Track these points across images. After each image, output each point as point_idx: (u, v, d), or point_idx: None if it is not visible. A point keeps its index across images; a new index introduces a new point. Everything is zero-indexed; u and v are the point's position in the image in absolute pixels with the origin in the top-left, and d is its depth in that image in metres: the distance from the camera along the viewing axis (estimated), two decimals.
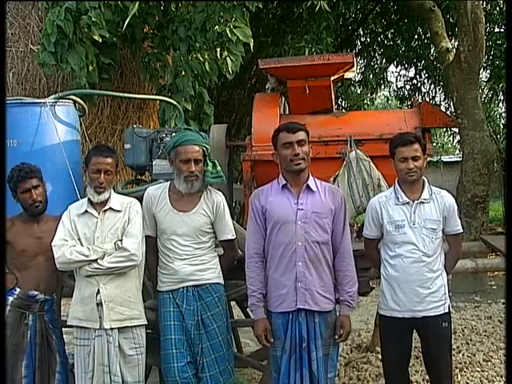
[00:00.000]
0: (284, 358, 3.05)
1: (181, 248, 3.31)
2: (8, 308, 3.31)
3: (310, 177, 3.14)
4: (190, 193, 3.34)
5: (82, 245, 3.24)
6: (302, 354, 3.02)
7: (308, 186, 3.10)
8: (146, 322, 3.32)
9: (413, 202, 3.26)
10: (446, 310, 3.26)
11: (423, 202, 3.26)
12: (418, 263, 3.20)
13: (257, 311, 3.11)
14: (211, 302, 3.32)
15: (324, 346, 3.05)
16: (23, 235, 3.36)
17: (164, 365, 3.30)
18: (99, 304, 3.19)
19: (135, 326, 3.27)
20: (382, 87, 14.05)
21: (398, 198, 3.29)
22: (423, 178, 3.33)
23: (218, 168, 3.47)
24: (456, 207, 3.33)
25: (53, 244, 3.21)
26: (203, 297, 3.32)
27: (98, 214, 3.29)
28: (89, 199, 3.32)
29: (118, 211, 3.30)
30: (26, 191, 3.34)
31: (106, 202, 3.32)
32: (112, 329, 3.19)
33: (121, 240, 3.24)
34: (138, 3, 4.86)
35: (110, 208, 3.31)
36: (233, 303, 4.70)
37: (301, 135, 3.07)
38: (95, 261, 3.18)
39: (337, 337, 3.09)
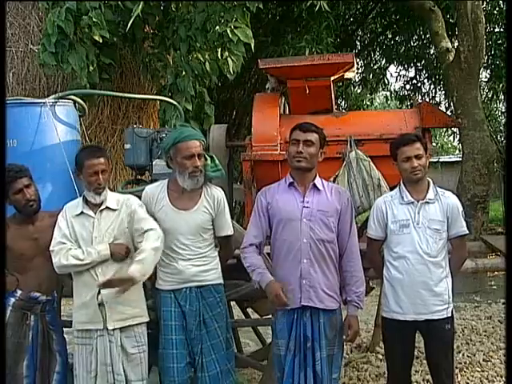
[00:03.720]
0: (288, 358, 3.06)
1: (183, 247, 3.31)
2: (9, 309, 3.29)
3: (317, 177, 3.17)
4: (194, 188, 3.33)
5: (80, 245, 3.23)
6: (306, 354, 3.03)
7: (315, 185, 3.14)
8: (148, 319, 3.31)
9: (417, 201, 3.25)
10: (449, 315, 3.24)
11: (428, 203, 3.25)
12: (421, 265, 3.18)
13: (264, 276, 3.03)
14: (213, 303, 3.33)
15: (328, 347, 3.06)
16: (19, 238, 3.32)
17: (163, 364, 3.30)
18: (101, 304, 3.19)
19: (137, 325, 3.26)
20: (381, 89, 14.03)
21: (402, 198, 3.28)
22: (428, 178, 3.32)
23: (217, 162, 3.50)
24: (461, 208, 3.32)
25: (51, 249, 3.20)
26: (205, 297, 3.32)
27: (95, 213, 3.28)
28: (84, 200, 3.30)
29: (115, 210, 3.30)
30: (18, 191, 3.30)
31: (102, 201, 3.31)
32: (114, 329, 3.19)
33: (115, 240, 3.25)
34: (141, 4, 4.85)
35: (107, 207, 3.30)
36: (233, 303, 4.71)
37: (310, 136, 3.10)
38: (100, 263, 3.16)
39: (345, 337, 3.10)
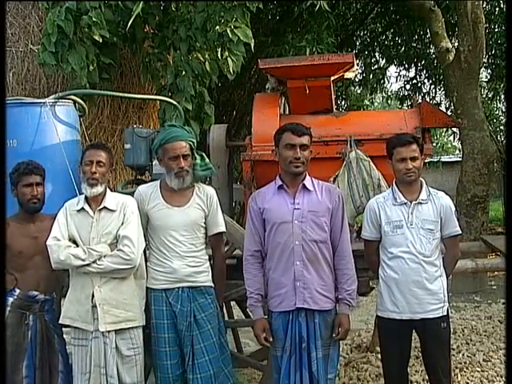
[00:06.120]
0: (284, 359, 3.05)
1: (177, 243, 3.32)
2: (8, 309, 3.29)
3: (307, 176, 3.15)
4: (182, 188, 3.36)
5: (76, 243, 3.23)
6: (302, 355, 3.02)
7: (304, 186, 3.12)
8: (141, 324, 3.31)
9: (410, 202, 3.26)
10: (445, 313, 3.25)
11: (421, 203, 3.26)
12: (415, 264, 3.20)
13: (255, 311, 3.12)
14: (205, 303, 3.34)
15: (324, 347, 3.05)
16: (19, 236, 3.33)
17: (157, 361, 3.32)
18: (94, 306, 3.18)
19: (132, 328, 3.26)
20: (379, 90, 14.04)
21: (395, 199, 3.29)
22: (421, 178, 3.33)
23: (207, 160, 3.52)
24: (453, 208, 3.33)
25: (47, 243, 3.21)
26: (197, 298, 3.33)
27: (94, 213, 3.28)
28: (85, 196, 3.31)
29: (113, 211, 3.29)
30: (28, 185, 3.32)
31: (101, 200, 3.31)
32: (109, 331, 3.19)
33: (117, 241, 3.24)
34: (141, 4, 4.85)
35: (105, 207, 3.30)
36: (233, 303, 4.70)
37: (305, 139, 3.08)
38: (93, 262, 3.17)
39: (334, 335, 3.09)
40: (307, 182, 3.13)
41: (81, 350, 3.23)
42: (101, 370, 3.17)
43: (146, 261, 3.42)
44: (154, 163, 4.06)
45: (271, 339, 3.07)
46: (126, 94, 5.42)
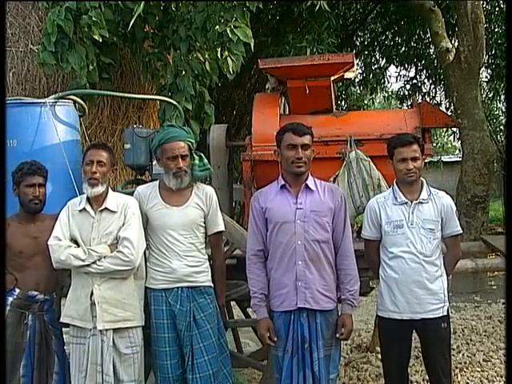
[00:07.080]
0: (286, 359, 3.06)
1: (176, 242, 3.32)
2: (8, 308, 3.29)
3: (310, 177, 3.16)
4: (181, 188, 3.37)
5: (77, 243, 3.24)
6: (304, 355, 3.03)
7: (307, 186, 3.12)
8: (140, 324, 3.31)
9: (411, 202, 3.26)
10: (445, 313, 3.25)
11: (422, 203, 3.26)
12: (416, 264, 3.20)
13: (259, 311, 3.12)
14: (204, 303, 3.34)
15: (325, 347, 3.05)
16: (20, 236, 3.34)
17: (157, 361, 3.32)
18: (93, 304, 3.19)
19: (130, 327, 3.26)
20: (379, 90, 14.03)
21: (396, 199, 3.29)
22: (422, 178, 3.33)
23: (205, 161, 3.53)
24: (454, 208, 3.33)
25: (49, 243, 3.22)
26: (196, 298, 3.33)
27: (95, 213, 3.29)
28: (87, 196, 3.32)
29: (114, 212, 3.29)
30: (31, 185, 3.33)
31: (102, 200, 3.31)
32: (106, 329, 3.19)
33: (117, 242, 3.24)
34: (143, 4, 4.85)
35: (106, 208, 3.30)
36: (233, 303, 4.70)
37: (306, 139, 3.09)
38: (93, 263, 3.18)
39: (338, 335, 3.09)
40: (310, 182, 3.14)
41: (79, 348, 3.24)
42: (97, 368, 3.17)
43: (145, 261, 3.42)
44: (154, 163, 4.06)
45: (276, 339, 3.07)
46: (126, 94, 5.42)
